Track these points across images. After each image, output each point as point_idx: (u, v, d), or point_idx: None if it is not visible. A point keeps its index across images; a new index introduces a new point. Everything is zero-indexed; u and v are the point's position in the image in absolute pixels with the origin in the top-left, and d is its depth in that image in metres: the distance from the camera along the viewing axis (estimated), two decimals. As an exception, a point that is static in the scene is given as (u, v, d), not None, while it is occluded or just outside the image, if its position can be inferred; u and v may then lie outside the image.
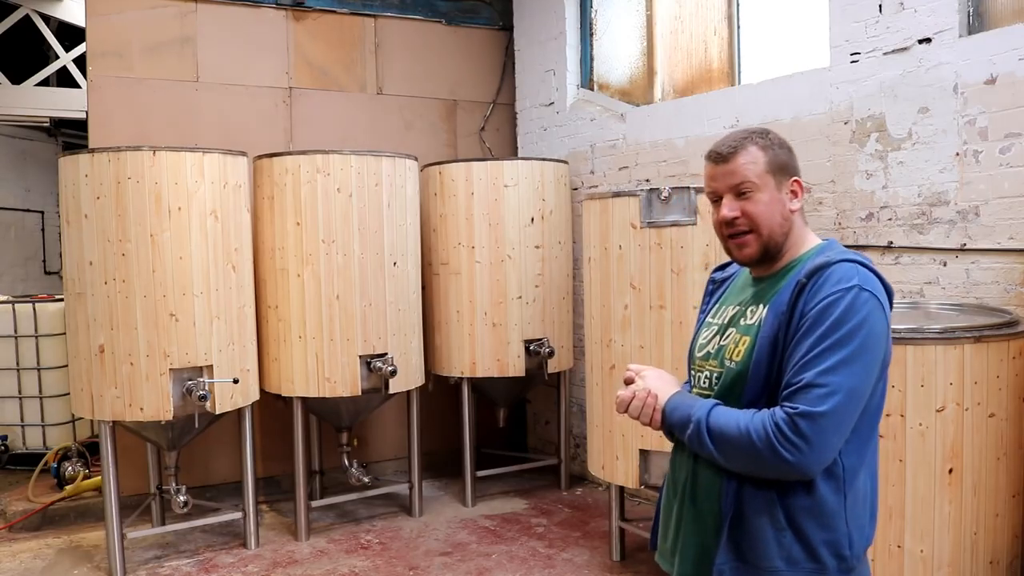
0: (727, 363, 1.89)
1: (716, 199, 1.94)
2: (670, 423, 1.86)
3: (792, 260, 1.91)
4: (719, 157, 1.91)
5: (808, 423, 1.67)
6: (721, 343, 1.95)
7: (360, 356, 5.10)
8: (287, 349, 5.09)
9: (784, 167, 1.91)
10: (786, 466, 1.69)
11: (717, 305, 2.08)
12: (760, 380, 1.80)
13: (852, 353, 1.69)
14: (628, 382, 1.96)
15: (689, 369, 2.08)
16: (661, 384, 1.92)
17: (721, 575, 1.82)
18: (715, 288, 2.16)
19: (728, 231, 1.91)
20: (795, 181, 1.92)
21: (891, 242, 4.21)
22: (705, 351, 2.00)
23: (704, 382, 1.96)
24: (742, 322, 1.91)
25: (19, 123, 9.42)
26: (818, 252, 1.88)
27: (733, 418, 1.75)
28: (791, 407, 1.68)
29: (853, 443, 1.77)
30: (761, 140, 1.91)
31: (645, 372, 1.95)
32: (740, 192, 1.88)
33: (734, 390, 1.85)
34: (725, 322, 1.98)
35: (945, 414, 3.07)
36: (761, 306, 1.88)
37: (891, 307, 1.83)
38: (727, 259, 2.06)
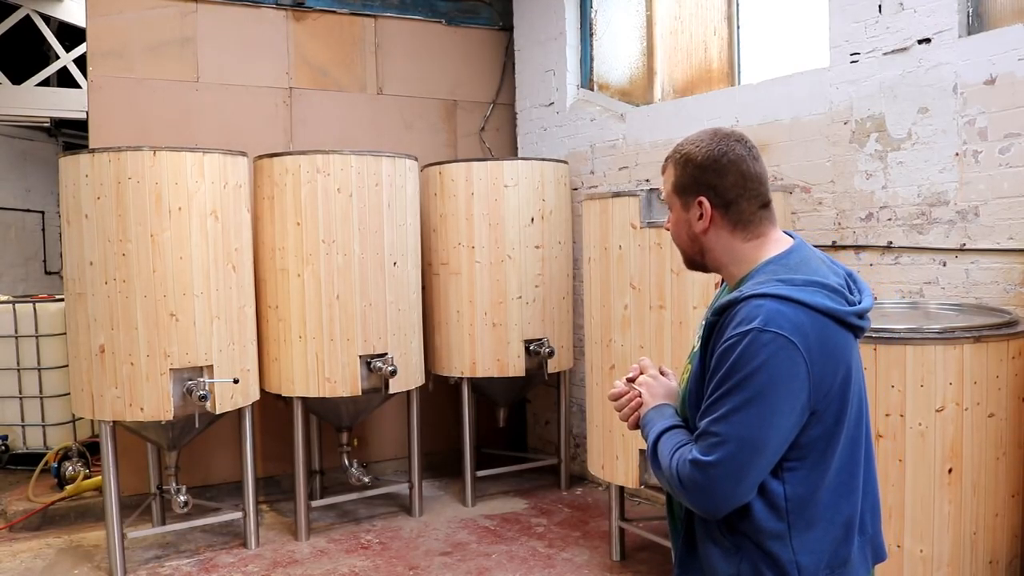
0: (680, 389, 1.94)
1: None
2: (642, 436, 1.89)
3: (738, 281, 1.84)
4: (661, 169, 1.97)
5: (700, 472, 1.67)
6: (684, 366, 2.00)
7: (360, 356, 5.10)
8: (287, 349, 5.09)
9: (687, 187, 1.83)
10: (693, 506, 1.74)
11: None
12: (691, 410, 1.81)
13: (745, 400, 1.64)
14: (630, 380, 1.98)
15: None
16: (652, 392, 1.93)
17: None
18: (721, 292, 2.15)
19: None
20: (699, 201, 1.82)
21: (891, 242, 4.22)
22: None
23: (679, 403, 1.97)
24: (695, 345, 1.90)
25: (19, 123, 9.42)
26: (752, 275, 1.79)
27: (668, 449, 1.77)
28: (690, 453, 1.70)
29: (800, 472, 1.71)
30: (678, 157, 1.87)
31: (646, 378, 1.96)
32: (668, 206, 1.93)
33: (684, 418, 1.88)
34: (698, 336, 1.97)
35: (945, 414, 3.08)
36: (699, 332, 1.88)
37: (855, 327, 1.74)
38: None
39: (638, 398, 1.93)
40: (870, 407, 3.14)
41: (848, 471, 1.77)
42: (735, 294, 1.72)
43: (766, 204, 1.83)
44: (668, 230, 1.94)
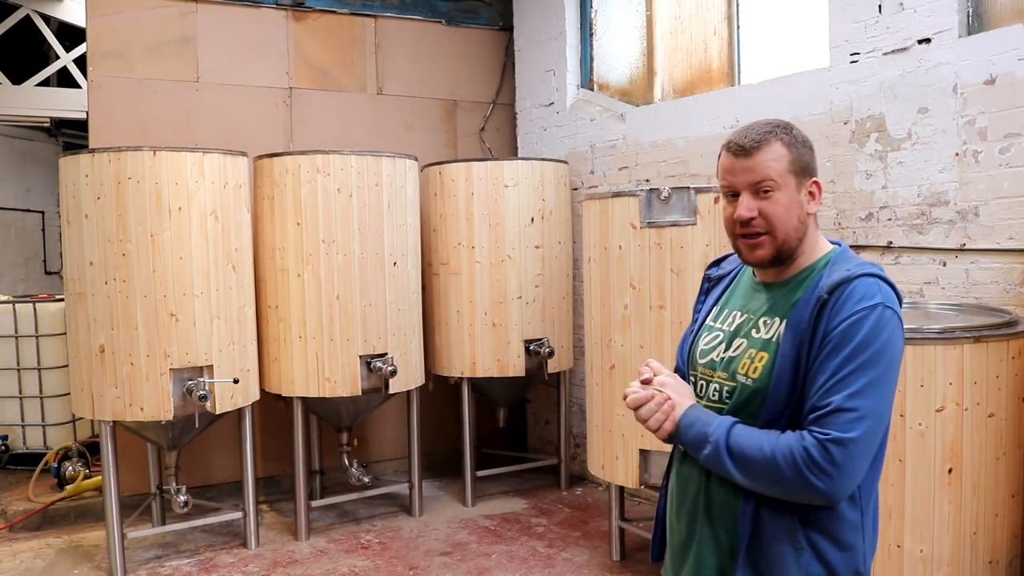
0: (741, 378, 1.80)
1: (733, 194, 1.81)
2: (684, 439, 1.76)
3: (805, 267, 1.82)
4: (741, 150, 1.79)
5: (840, 450, 1.60)
6: (730, 354, 1.85)
7: (360, 356, 5.10)
8: (287, 349, 5.09)
9: (806, 167, 1.80)
10: (814, 493, 1.63)
11: (719, 307, 1.98)
12: (780, 400, 1.71)
13: (879, 375, 1.64)
14: (646, 383, 1.83)
15: (688, 372, 1.98)
16: (679, 394, 1.81)
17: None
18: (711, 286, 2.08)
19: (742, 231, 1.79)
20: (814, 183, 1.81)
21: (891, 242, 4.22)
22: (709, 359, 1.90)
23: (714, 395, 1.86)
24: (755, 334, 1.82)
25: (19, 123, 9.42)
26: (833, 261, 1.79)
27: (756, 441, 1.67)
28: (822, 433, 1.61)
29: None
30: (786, 136, 1.79)
31: (665, 379, 1.83)
32: (760, 190, 1.77)
33: (749, 407, 1.77)
34: (732, 330, 1.89)
35: (945, 414, 3.08)
36: (777, 319, 1.79)
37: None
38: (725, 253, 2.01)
39: (668, 400, 1.79)
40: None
41: (882, 459, 1.79)
42: (845, 273, 1.71)
43: None
44: (751, 219, 1.77)
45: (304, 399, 5.19)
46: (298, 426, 5.23)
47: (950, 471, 3.09)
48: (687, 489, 1.89)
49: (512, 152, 6.97)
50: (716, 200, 4.02)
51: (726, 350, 1.86)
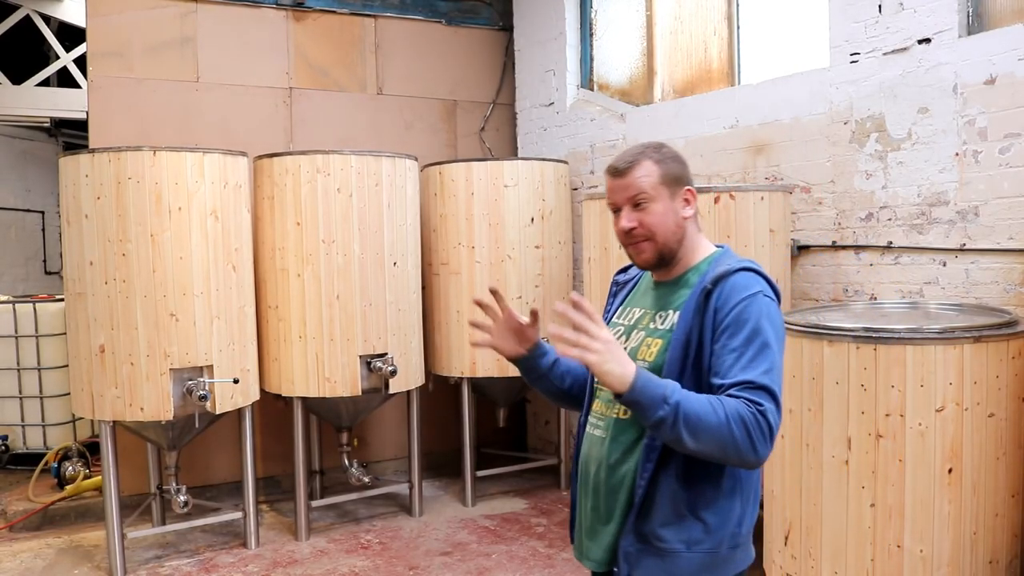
0: (639, 363, 1.89)
1: (616, 210, 2.08)
2: (637, 398, 1.75)
3: (692, 266, 2.06)
4: (616, 172, 2.05)
5: (772, 418, 1.78)
6: (630, 344, 2.06)
7: (360, 356, 5.10)
8: (287, 349, 5.09)
9: (677, 178, 2.04)
10: (754, 456, 1.78)
11: (623, 307, 2.20)
12: (674, 375, 1.90)
13: (775, 354, 1.86)
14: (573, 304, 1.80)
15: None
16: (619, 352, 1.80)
17: (627, 557, 1.97)
18: (618, 290, 2.30)
19: (627, 240, 2.06)
20: (688, 191, 2.05)
21: (891, 242, 4.22)
22: None
23: None
24: (651, 326, 2.05)
25: (19, 123, 9.43)
26: (717, 259, 2.03)
27: (707, 405, 1.76)
28: (757, 403, 1.77)
29: None
30: (655, 154, 2.04)
31: (609, 336, 1.78)
32: (636, 203, 2.02)
33: None
34: (631, 323, 2.11)
35: (945, 414, 3.07)
36: (671, 311, 2.02)
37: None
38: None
39: (609, 346, 1.76)
40: (870, 407, 3.16)
41: None
42: (726, 267, 1.94)
43: None
44: (632, 229, 2.02)
45: (304, 399, 5.19)
46: (298, 426, 5.23)
47: (950, 471, 3.09)
48: (589, 469, 2.09)
49: (512, 152, 6.97)
50: (716, 200, 4.02)
51: (626, 341, 2.08)
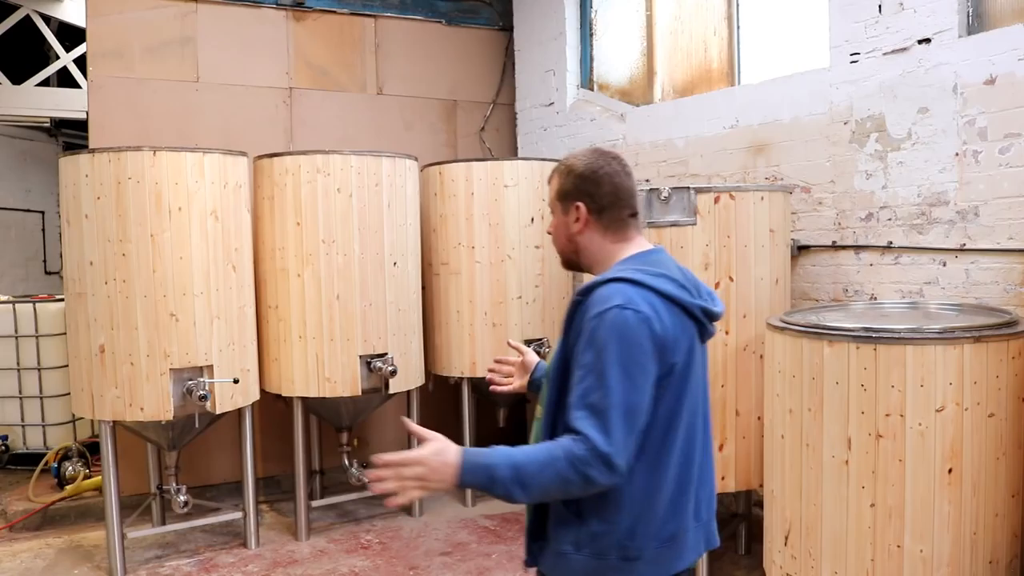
0: (547, 369, 2.09)
1: None
2: (470, 486, 1.89)
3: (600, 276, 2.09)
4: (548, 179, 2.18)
5: (601, 446, 1.79)
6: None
7: (360, 356, 5.10)
8: (287, 349, 5.09)
9: (568, 194, 2.08)
10: (599, 486, 1.83)
11: None
12: (555, 387, 1.98)
13: (620, 372, 1.82)
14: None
15: None
16: (441, 462, 1.85)
17: (531, 554, 2.10)
18: None
19: None
20: (576, 206, 2.07)
21: (891, 242, 4.22)
22: None
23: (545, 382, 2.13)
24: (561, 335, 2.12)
25: (20, 123, 9.43)
26: (615, 268, 2.03)
27: (537, 464, 1.82)
28: (585, 433, 1.79)
29: (644, 446, 1.91)
30: (561, 167, 2.11)
31: (426, 457, 1.85)
32: (551, 211, 2.16)
33: (544, 394, 2.06)
34: None
35: (945, 414, 3.08)
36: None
37: (699, 319, 1.98)
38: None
39: (418, 482, 1.84)
40: (870, 407, 3.15)
41: (685, 454, 1.98)
42: (597, 278, 1.97)
43: (634, 214, 2.09)
44: (550, 233, 2.18)
45: (304, 399, 5.19)
46: (298, 426, 5.22)
47: (950, 471, 3.09)
48: None
49: (512, 152, 6.96)
50: (716, 200, 4.02)
51: None
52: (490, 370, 2.51)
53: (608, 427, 1.79)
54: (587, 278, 2.11)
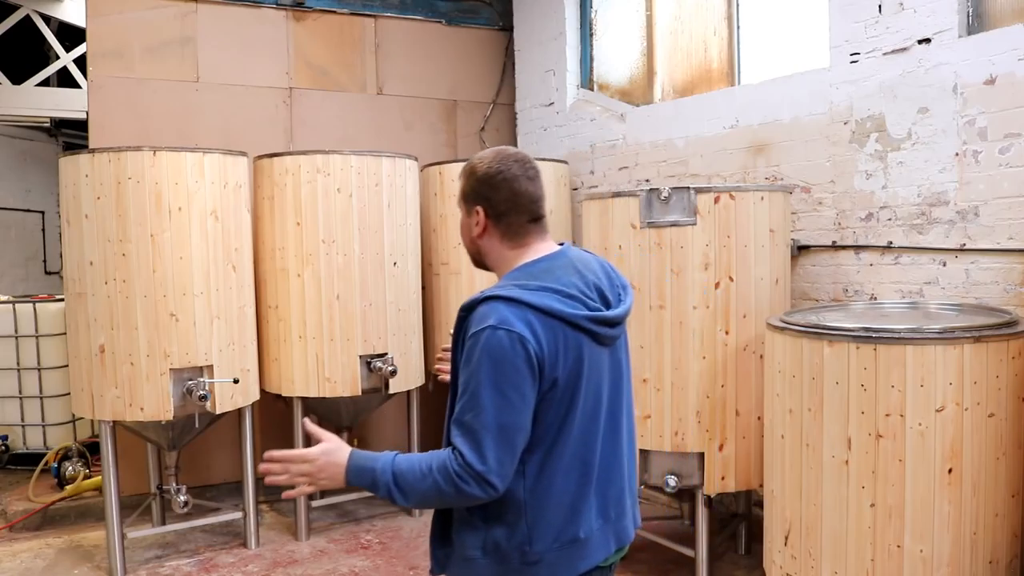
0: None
1: None
2: (356, 486, 1.94)
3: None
4: None
5: (474, 463, 1.84)
6: None
7: (360, 356, 5.10)
8: (287, 349, 5.09)
9: (466, 196, 2.08)
10: (476, 499, 1.88)
11: None
12: (452, 394, 2.00)
13: (491, 391, 1.84)
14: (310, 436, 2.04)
15: None
16: (329, 462, 1.95)
17: (437, 561, 2.10)
18: None
19: None
20: (476, 210, 2.06)
21: (891, 242, 4.22)
22: None
23: None
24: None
25: (20, 123, 9.43)
26: (508, 276, 2.03)
27: (417, 473, 1.88)
28: (459, 450, 1.85)
29: (536, 455, 1.94)
30: (466, 169, 2.09)
31: (319, 456, 1.96)
32: None
33: None
34: None
35: (945, 414, 3.08)
36: None
37: (587, 329, 1.95)
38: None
39: (306, 477, 1.94)
40: (870, 407, 3.15)
41: (581, 459, 1.99)
42: (477, 295, 1.95)
43: (536, 219, 2.06)
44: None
45: (304, 399, 5.19)
46: (298, 426, 5.22)
47: (950, 471, 3.09)
48: None
49: (512, 152, 6.95)
50: (716, 200, 4.02)
51: None
52: (438, 358, 2.46)
53: (481, 447, 1.84)
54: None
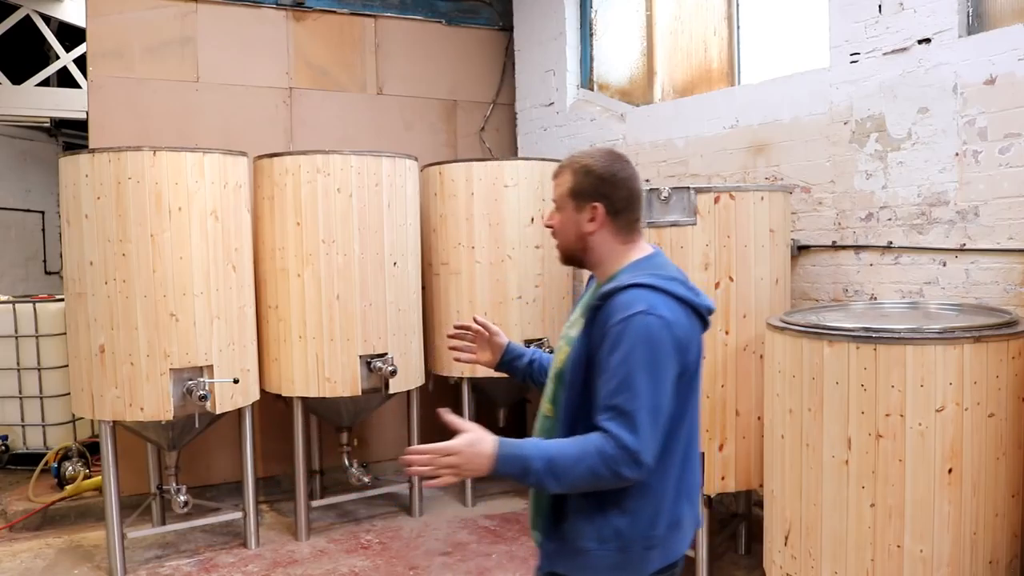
0: (556, 365, 2.19)
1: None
2: (503, 476, 1.94)
3: (610, 274, 2.15)
4: (553, 175, 2.22)
5: (632, 445, 1.89)
6: (558, 347, 2.23)
7: (360, 356, 5.10)
8: (287, 349, 5.09)
9: (584, 193, 2.13)
10: (626, 481, 1.93)
11: (574, 308, 2.34)
12: (576, 390, 2.04)
13: (647, 375, 1.92)
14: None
15: None
16: (475, 452, 1.93)
17: (547, 556, 2.11)
18: (584, 289, 2.41)
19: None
20: (593, 207, 2.12)
21: (891, 242, 4.22)
22: (556, 346, 2.27)
23: (550, 377, 2.24)
24: (569, 332, 2.19)
25: (20, 123, 9.42)
26: (625, 270, 2.11)
27: (571, 457, 1.91)
28: (616, 433, 1.89)
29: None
30: (577, 165, 2.14)
31: (461, 446, 1.93)
32: (556, 207, 2.20)
33: (557, 393, 2.13)
34: (568, 326, 2.25)
35: (945, 414, 3.08)
36: (582, 319, 2.12)
37: (705, 318, 2.09)
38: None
39: (452, 469, 1.92)
40: (870, 407, 3.16)
41: (688, 443, 2.09)
42: (615, 283, 2.02)
43: (639, 219, 2.18)
44: (550, 227, 2.22)
45: (304, 399, 5.19)
46: (298, 426, 5.22)
47: (950, 471, 3.09)
48: None
49: (512, 152, 6.96)
50: (716, 200, 4.02)
51: (559, 343, 2.24)
52: (451, 336, 2.51)
53: (636, 427, 1.89)
54: (585, 274, 2.19)
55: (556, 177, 2.19)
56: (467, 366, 5.55)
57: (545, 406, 2.20)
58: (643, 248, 2.18)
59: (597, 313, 2.01)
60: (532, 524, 2.22)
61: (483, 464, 1.91)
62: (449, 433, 1.95)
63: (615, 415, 1.91)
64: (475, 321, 2.46)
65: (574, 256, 2.21)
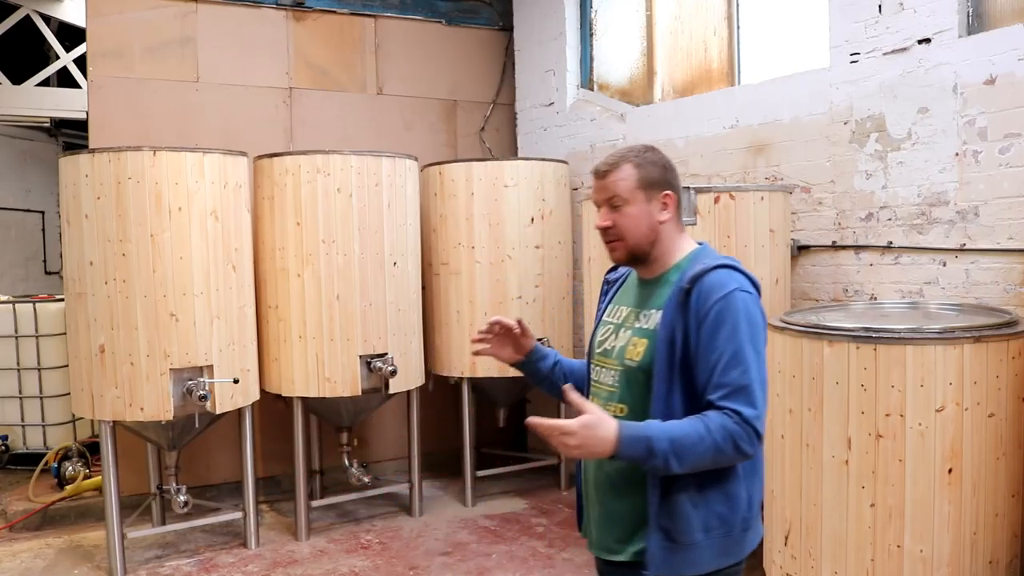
0: (628, 362, 2.11)
1: (599, 208, 2.19)
2: (624, 458, 1.92)
3: (672, 265, 2.15)
4: (598, 173, 2.16)
5: (754, 419, 1.92)
6: (619, 344, 2.16)
7: (360, 356, 5.10)
8: (287, 349, 5.09)
9: (655, 183, 2.13)
10: (745, 457, 1.96)
11: (612, 305, 2.30)
12: (663, 378, 2.01)
13: (753, 349, 1.97)
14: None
15: (588, 362, 2.30)
16: (601, 432, 1.91)
17: (653, 559, 2.03)
18: (608, 288, 2.40)
19: (603, 237, 2.18)
20: (665, 195, 2.13)
21: (891, 242, 4.22)
22: (603, 348, 2.22)
23: (607, 379, 2.18)
24: (636, 325, 2.14)
25: (20, 123, 9.42)
26: (694, 258, 2.13)
27: (694, 436, 1.90)
28: (733, 410, 1.91)
29: None
30: (636, 158, 2.13)
31: (584, 427, 1.90)
32: (612, 205, 2.13)
33: (635, 385, 2.09)
34: (619, 322, 2.21)
35: (945, 414, 3.08)
36: (654, 311, 2.10)
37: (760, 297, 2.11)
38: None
39: (568, 448, 1.90)
40: (870, 407, 3.16)
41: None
42: (702, 266, 2.03)
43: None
44: (606, 228, 2.14)
45: (304, 399, 5.19)
46: (298, 426, 5.22)
47: (950, 471, 3.09)
48: (588, 465, 2.22)
49: (512, 152, 6.96)
50: (716, 200, 4.02)
51: (615, 340, 2.19)
52: (483, 332, 2.43)
53: (753, 400, 1.92)
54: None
55: (609, 174, 2.12)
56: (467, 366, 5.64)
57: (615, 407, 2.12)
58: (689, 237, 2.23)
59: (688, 296, 2.01)
60: (607, 543, 2.15)
61: (605, 447, 1.89)
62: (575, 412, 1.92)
63: (732, 391, 1.92)
64: (517, 323, 2.40)
65: (641, 250, 2.15)
